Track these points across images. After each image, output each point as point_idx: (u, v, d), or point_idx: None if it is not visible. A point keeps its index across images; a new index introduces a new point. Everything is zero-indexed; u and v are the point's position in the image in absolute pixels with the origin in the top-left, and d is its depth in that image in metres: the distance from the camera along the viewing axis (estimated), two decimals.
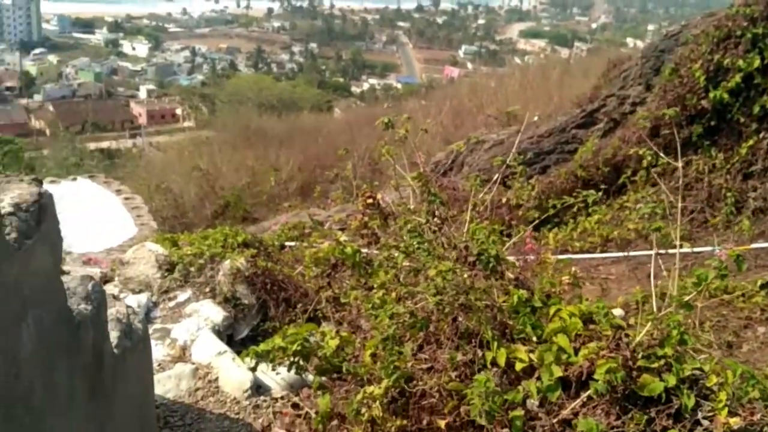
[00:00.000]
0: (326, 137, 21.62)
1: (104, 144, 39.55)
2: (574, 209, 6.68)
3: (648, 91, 8.95)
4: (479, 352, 2.54)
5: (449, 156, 9.64)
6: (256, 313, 5.37)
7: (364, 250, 3.59)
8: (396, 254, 2.83)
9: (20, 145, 28.91)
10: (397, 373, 2.46)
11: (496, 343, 2.51)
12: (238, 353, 5.10)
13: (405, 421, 2.46)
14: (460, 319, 2.62)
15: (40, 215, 1.79)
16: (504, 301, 2.64)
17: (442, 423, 2.37)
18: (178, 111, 61.87)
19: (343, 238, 3.73)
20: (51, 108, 60.67)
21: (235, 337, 5.26)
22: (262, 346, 2.94)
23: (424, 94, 30.25)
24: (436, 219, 2.93)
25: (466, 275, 2.60)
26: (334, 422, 2.98)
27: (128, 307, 3.28)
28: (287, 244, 8.26)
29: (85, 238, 11.51)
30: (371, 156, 18.40)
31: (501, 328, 2.63)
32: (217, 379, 4.58)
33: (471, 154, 9.12)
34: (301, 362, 2.96)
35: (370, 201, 3.48)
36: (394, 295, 3.22)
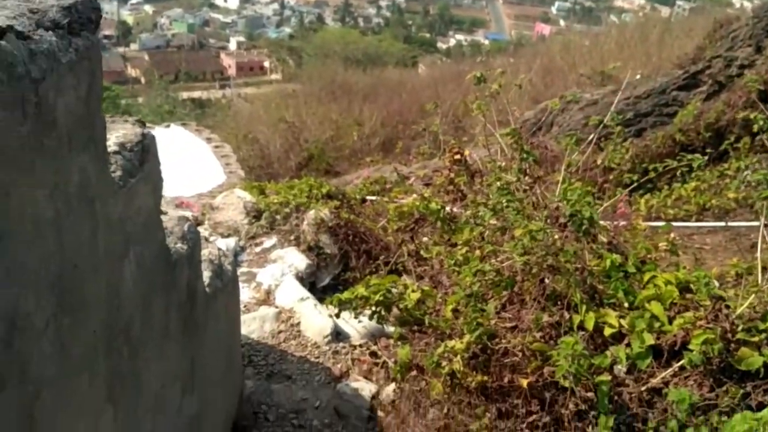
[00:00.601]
0: (410, 93, 21.40)
1: (195, 94, 40.83)
2: (669, 175, 6.35)
3: (758, 53, 8.31)
4: (566, 315, 2.48)
5: (538, 115, 9.34)
6: (338, 263, 5.47)
7: (449, 207, 3.55)
8: (483, 211, 2.77)
9: (117, 92, 30.21)
10: (480, 330, 2.44)
11: (584, 307, 2.43)
12: (320, 300, 5.23)
13: (486, 377, 2.44)
14: (547, 280, 2.55)
15: (143, 155, 1.85)
16: (596, 265, 2.55)
17: (524, 382, 2.34)
18: (266, 63, 62.84)
19: (427, 193, 3.70)
20: (146, 57, 63.02)
21: (316, 285, 5.39)
22: (345, 294, 2.97)
23: (512, 52, 29.32)
24: (527, 178, 2.84)
25: (556, 236, 2.52)
26: (413, 373, 3.01)
27: (219, 249, 3.41)
28: (368, 198, 8.31)
29: (177, 182, 12.04)
30: (455, 113, 18.14)
31: (590, 291, 2.54)
32: (299, 323, 4.73)
33: (562, 114, 8.80)
34: (383, 312, 2.98)
35: (457, 157, 3.41)
36: (477, 252, 3.17)
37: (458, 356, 2.49)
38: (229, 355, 3.33)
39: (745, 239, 5.88)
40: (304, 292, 4.92)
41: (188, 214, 6.02)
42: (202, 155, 11.07)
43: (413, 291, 3.03)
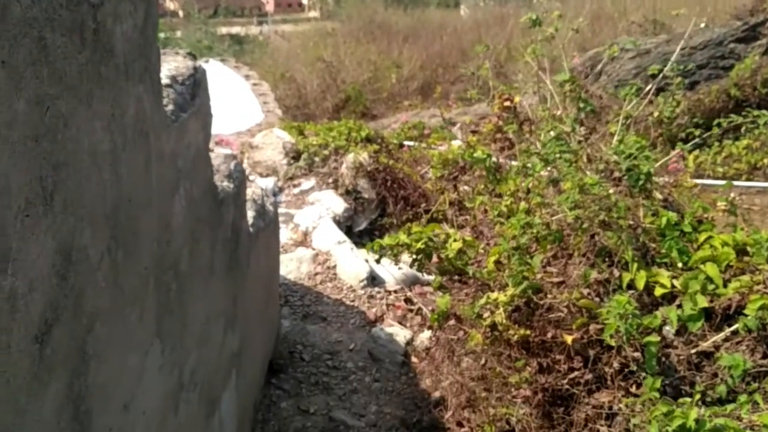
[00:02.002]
0: (451, 36, 20.82)
1: (233, 29, 40.39)
2: (720, 131, 6.10)
3: None
4: (615, 273, 2.41)
5: (587, 63, 9.00)
6: (375, 208, 5.44)
7: (495, 156, 3.45)
8: (533, 162, 2.67)
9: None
10: (524, 284, 2.39)
11: (635, 265, 2.36)
12: (356, 244, 5.23)
13: (528, 332, 2.40)
14: (597, 236, 2.47)
15: (195, 89, 1.80)
16: (650, 223, 2.45)
17: (568, 338, 2.29)
18: (304, 0, 61.76)
19: (472, 141, 3.59)
20: None
21: (353, 229, 5.38)
22: (387, 240, 2.94)
23: None
24: (582, 128, 2.72)
25: (611, 191, 2.42)
26: (451, 322, 2.99)
27: (262, 189, 3.39)
28: (406, 143, 8.20)
29: (216, 119, 12.01)
30: (497, 58, 17.65)
31: (642, 250, 2.46)
32: (335, 266, 4.74)
33: (611, 63, 8.46)
34: (424, 261, 2.94)
35: (507, 104, 3.29)
36: (523, 204, 3.09)
37: (501, 308, 2.45)
38: (268, 294, 3.35)
39: None
40: (341, 236, 4.92)
41: (227, 151, 6.02)
42: (241, 92, 11.00)
43: (455, 240, 2.97)
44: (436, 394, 3.44)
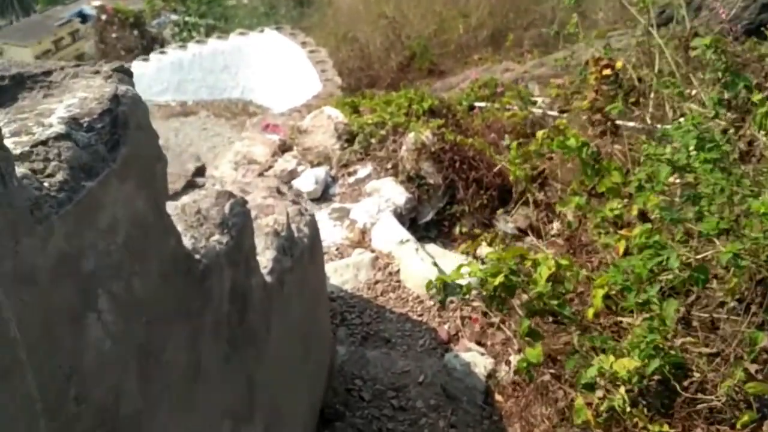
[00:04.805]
0: None
1: None
2: None
3: None
4: None
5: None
6: (443, 194, 4.68)
7: (593, 143, 2.61)
8: (658, 168, 1.83)
9: None
10: (657, 361, 1.61)
11: None
12: (421, 239, 4.52)
13: (666, 427, 1.63)
14: None
15: (115, 133, 1.11)
16: None
17: None
18: None
19: (562, 123, 2.74)
20: None
21: (418, 221, 4.66)
22: (452, 274, 2.21)
23: None
24: (730, 114, 1.85)
25: None
26: (545, 377, 2.25)
27: (294, 203, 2.72)
28: (477, 104, 7.32)
29: (272, 94, 11.47)
30: None
31: None
32: (398, 271, 4.06)
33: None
34: (505, 299, 2.20)
35: (606, 72, 2.44)
36: (635, 210, 2.28)
37: (622, 388, 1.68)
38: (310, 336, 2.71)
39: None
40: (404, 233, 4.21)
41: (275, 138, 5.40)
42: (297, 63, 10.34)
43: (545, 266, 2.20)
44: None
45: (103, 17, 18.26)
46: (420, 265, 3.96)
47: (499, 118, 6.41)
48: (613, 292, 2.09)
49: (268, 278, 2.03)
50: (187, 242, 1.51)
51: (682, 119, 1.89)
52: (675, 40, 2.43)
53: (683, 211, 1.89)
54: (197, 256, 1.50)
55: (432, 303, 3.82)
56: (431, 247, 4.38)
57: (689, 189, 1.82)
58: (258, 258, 2.04)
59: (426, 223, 4.61)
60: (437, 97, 5.77)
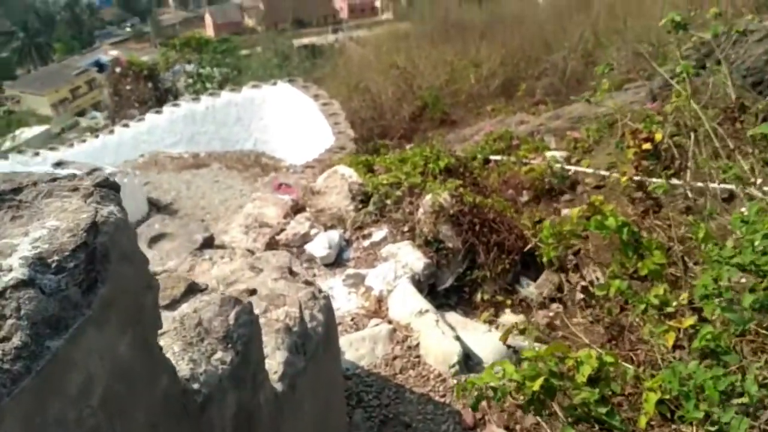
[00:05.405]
0: (530, 27, 19.42)
1: (306, 40, 40.49)
2: None
3: None
4: None
5: (699, 48, 7.60)
6: (462, 259, 4.46)
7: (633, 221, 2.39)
8: (719, 269, 1.60)
9: (235, 44, 29.90)
10: None
11: None
12: (440, 306, 4.28)
13: None
14: None
15: (93, 270, 0.91)
16: None
17: None
18: (377, 2, 61.61)
19: (598, 200, 2.52)
20: (261, 5, 63.72)
21: (437, 287, 4.43)
22: (485, 376, 1.97)
23: None
24: None
25: None
26: None
27: (307, 285, 2.51)
28: (492, 158, 7.16)
29: (284, 146, 11.41)
30: (585, 48, 16.10)
31: None
32: (417, 345, 3.80)
33: (733, 47, 7.03)
34: (545, 403, 1.96)
35: (646, 147, 2.24)
36: (685, 296, 2.05)
37: None
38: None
39: None
40: (423, 303, 3.97)
41: (287, 198, 5.23)
42: (310, 115, 10.28)
43: (588, 365, 1.96)
44: None
45: (117, 69, 18.49)
46: (441, 339, 3.71)
47: (516, 173, 6.23)
48: (667, 396, 1.85)
49: (278, 386, 1.80)
50: (184, 368, 1.30)
51: (743, 209, 1.68)
52: (717, 110, 2.23)
53: (748, 313, 1.66)
54: (196, 386, 1.28)
55: (455, 381, 3.56)
56: (452, 316, 4.14)
57: (757, 291, 1.59)
58: (267, 361, 1.82)
59: (445, 290, 4.38)
60: (453, 155, 5.59)
